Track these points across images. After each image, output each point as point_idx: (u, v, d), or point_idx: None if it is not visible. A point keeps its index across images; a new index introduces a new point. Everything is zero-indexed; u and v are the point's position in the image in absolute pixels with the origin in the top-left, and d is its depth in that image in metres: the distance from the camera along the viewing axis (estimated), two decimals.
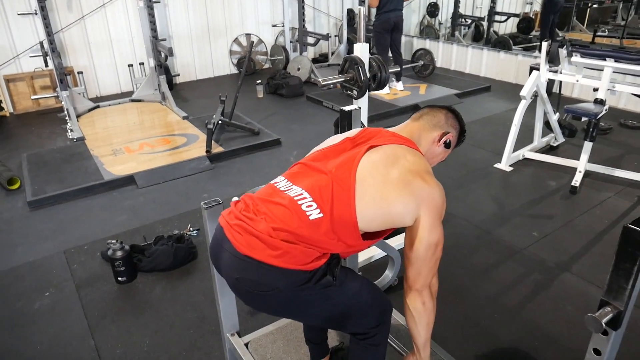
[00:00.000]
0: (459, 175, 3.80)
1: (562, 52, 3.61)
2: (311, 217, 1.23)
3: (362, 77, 2.46)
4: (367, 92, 2.54)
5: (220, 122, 4.42)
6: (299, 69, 6.49)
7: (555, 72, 3.71)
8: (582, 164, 3.60)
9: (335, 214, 1.23)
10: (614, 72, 3.39)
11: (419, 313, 1.34)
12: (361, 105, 2.59)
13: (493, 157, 4.10)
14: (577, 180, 3.49)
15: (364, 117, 2.66)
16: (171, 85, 6.00)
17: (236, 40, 7.01)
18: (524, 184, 3.67)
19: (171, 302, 2.44)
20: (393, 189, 1.25)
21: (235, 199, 1.42)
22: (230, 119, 4.57)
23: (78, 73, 5.60)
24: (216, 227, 1.38)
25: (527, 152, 4.04)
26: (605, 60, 3.34)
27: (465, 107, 5.53)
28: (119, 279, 2.55)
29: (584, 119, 3.37)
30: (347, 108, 1.92)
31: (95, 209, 3.37)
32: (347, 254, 1.42)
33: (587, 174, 3.64)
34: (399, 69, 5.26)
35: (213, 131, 4.20)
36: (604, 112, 3.35)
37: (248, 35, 7.07)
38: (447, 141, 1.48)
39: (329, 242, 1.24)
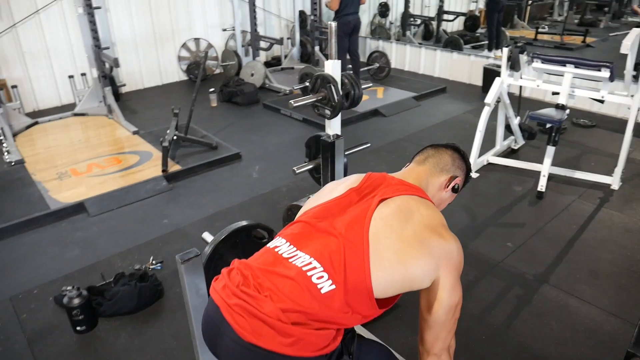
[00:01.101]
0: None
1: (523, 57, 3.62)
2: (323, 291, 1.08)
3: (335, 97, 2.32)
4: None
5: (175, 137, 4.16)
6: (252, 75, 6.27)
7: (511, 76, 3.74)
8: (545, 168, 3.64)
9: (349, 284, 1.10)
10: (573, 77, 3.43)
11: None
12: (334, 125, 2.47)
13: None
14: (542, 185, 3.53)
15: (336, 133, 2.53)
16: (117, 96, 5.63)
17: (184, 46, 6.69)
18: (491, 191, 3.67)
19: (139, 351, 2.21)
20: (410, 251, 1.13)
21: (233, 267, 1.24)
22: (185, 134, 4.31)
23: (12, 87, 5.12)
24: (209, 303, 1.19)
25: (490, 157, 4.06)
26: (565, 66, 3.38)
27: (423, 110, 5.53)
28: (78, 328, 2.29)
29: (548, 125, 3.40)
30: (329, 137, 1.78)
31: (42, 244, 3.05)
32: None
33: (550, 177, 3.68)
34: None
35: (169, 149, 3.94)
36: (565, 117, 3.39)
37: (197, 39, 6.76)
38: (456, 186, 1.38)
39: (343, 316, 1.10)
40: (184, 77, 6.84)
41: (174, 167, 3.95)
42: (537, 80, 3.67)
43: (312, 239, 1.19)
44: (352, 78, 2.44)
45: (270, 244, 1.25)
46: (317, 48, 6.94)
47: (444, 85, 6.34)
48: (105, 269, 2.76)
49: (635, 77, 3.23)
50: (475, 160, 3.88)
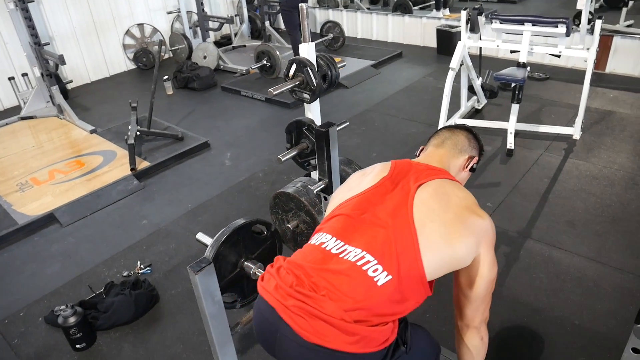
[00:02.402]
0: (401, 153, 3.79)
1: (482, 19, 3.67)
2: (379, 283, 1.09)
3: (314, 80, 2.29)
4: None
5: (138, 133, 3.99)
6: (205, 57, 6.06)
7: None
8: (512, 126, 3.76)
9: (403, 272, 1.11)
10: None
11: (478, 349, 1.29)
12: (314, 108, 2.44)
13: (427, 128, 4.15)
14: (511, 142, 3.65)
15: (316, 117, 2.51)
16: (65, 94, 5.31)
17: (128, 33, 6.35)
18: None
19: None
20: (455, 232, 1.17)
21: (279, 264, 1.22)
22: (149, 128, 4.15)
23: None
24: (260, 303, 1.17)
25: (457, 120, 4.13)
26: (523, 25, 3.45)
27: (383, 77, 5.54)
28: (77, 346, 2.21)
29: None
30: (312, 122, 1.75)
31: (17, 262, 2.90)
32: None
33: (517, 133, 3.81)
34: None
35: (134, 145, 3.78)
36: (527, 75, 3.49)
37: (140, 25, 6.43)
38: (474, 166, 1.43)
39: (399, 306, 1.12)
40: (131, 65, 6.52)
41: (142, 164, 3.81)
42: (496, 40, 3.74)
43: (359, 232, 1.18)
44: (327, 59, 2.40)
45: (314, 240, 1.23)
46: (267, 23, 6.76)
47: (399, 50, 6.35)
48: (92, 280, 2.67)
49: (590, 30, 3.35)
50: (444, 124, 3.95)
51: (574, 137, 3.78)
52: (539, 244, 2.72)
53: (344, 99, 5.02)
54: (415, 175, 1.29)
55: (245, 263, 1.93)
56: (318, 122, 2.50)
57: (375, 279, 1.09)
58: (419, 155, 1.57)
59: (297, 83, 2.32)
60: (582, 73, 4.55)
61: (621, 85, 4.75)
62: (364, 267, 1.10)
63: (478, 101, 4.43)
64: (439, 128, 1.62)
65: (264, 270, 1.94)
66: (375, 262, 1.11)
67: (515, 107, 3.70)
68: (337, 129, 2.61)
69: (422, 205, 1.20)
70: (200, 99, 5.33)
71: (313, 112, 2.45)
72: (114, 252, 2.90)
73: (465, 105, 4.28)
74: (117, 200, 3.44)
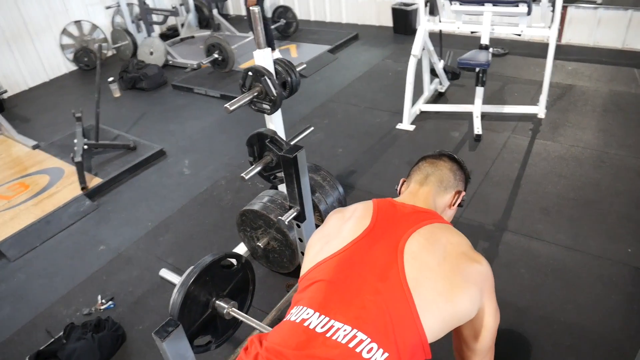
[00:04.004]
0: (367, 146, 3.66)
1: (441, 1, 3.53)
2: None
3: (273, 90, 2.10)
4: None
5: (85, 147, 3.69)
6: (152, 54, 5.70)
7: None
8: (477, 109, 3.69)
9: (402, 345, 0.98)
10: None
11: None
12: (276, 120, 2.26)
13: (392, 117, 4.02)
14: (478, 127, 3.58)
15: (279, 128, 2.33)
16: (0, 105, 4.88)
17: (65, 32, 5.89)
18: (431, 142, 3.66)
19: None
20: (454, 286, 1.05)
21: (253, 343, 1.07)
22: (97, 140, 3.85)
23: None
24: None
25: (422, 106, 4.03)
26: (484, 5, 3.34)
27: (341, 63, 5.36)
28: None
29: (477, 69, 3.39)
30: (286, 153, 1.58)
31: None
32: None
33: (482, 116, 3.74)
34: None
35: (82, 162, 3.49)
36: (491, 58, 3.40)
37: (78, 22, 5.97)
38: (462, 202, 1.31)
39: None
40: (72, 67, 6.07)
41: (93, 181, 3.53)
42: (456, 22, 3.62)
43: (345, 303, 1.03)
44: (285, 64, 2.22)
45: (294, 316, 1.06)
46: (215, 11, 6.42)
47: (355, 31, 6.15)
48: (50, 323, 2.44)
49: (551, 7, 3.28)
50: (410, 113, 3.83)
51: (539, 116, 3.75)
52: (516, 235, 2.66)
53: (303, 89, 4.76)
54: (401, 222, 1.16)
55: (217, 302, 1.77)
56: (281, 134, 2.32)
57: None
58: (400, 189, 1.45)
59: (256, 94, 2.13)
60: (540, 46, 4.50)
61: (578, 57, 4.75)
62: (357, 349, 0.96)
63: (441, 84, 4.33)
64: (419, 159, 1.48)
65: (237, 308, 1.80)
66: (369, 340, 0.97)
67: (479, 90, 3.63)
68: (302, 136, 2.45)
69: (414, 261, 1.07)
70: (150, 100, 5.01)
71: (275, 123, 2.26)
72: (71, 287, 2.67)
73: (428, 89, 4.17)
74: (69, 225, 3.17)
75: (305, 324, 1.02)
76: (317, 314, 1.03)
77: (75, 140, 3.71)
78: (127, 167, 3.66)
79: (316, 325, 1.01)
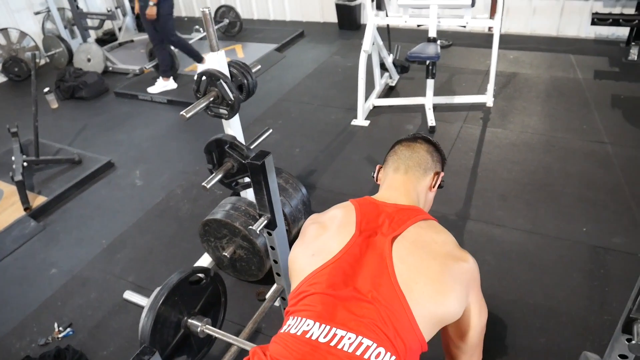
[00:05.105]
0: (324, 144, 3.64)
1: None
2: None
3: (230, 94, 2.03)
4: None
5: (25, 164, 3.44)
6: (89, 60, 5.41)
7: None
8: (429, 101, 3.75)
9: (406, 346, 0.98)
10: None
11: None
12: (234, 124, 2.19)
13: (346, 113, 4.02)
14: (431, 119, 3.63)
15: (238, 133, 2.26)
16: None
17: None
18: (387, 136, 3.68)
19: None
20: (443, 288, 1.05)
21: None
22: (37, 155, 3.59)
23: None
24: None
25: (375, 100, 4.05)
26: None
27: (290, 61, 5.30)
28: None
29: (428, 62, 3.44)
30: (253, 160, 1.51)
31: None
32: None
33: (434, 108, 3.80)
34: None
35: (23, 181, 3.25)
36: (440, 50, 3.46)
37: (4, 30, 5.56)
38: (442, 183, 1.34)
39: None
40: (2, 78, 5.66)
41: (37, 200, 3.30)
42: (403, 15, 3.66)
43: (345, 311, 1.01)
44: (240, 66, 2.14)
45: (293, 329, 1.02)
46: None
47: (300, 29, 6.11)
48: (2, 358, 2.25)
49: None
50: (363, 109, 3.84)
51: (487, 105, 3.86)
52: (479, 223, 2.72)
53: None
54: (386, 224, 1.13)
55: (190, 321, 1.69)
56: (240, 138, 2.25)
57: None
58: (377, 177, 1.41)
59: (212, 99, 2.05)
60: (482, 36, 4.61)
61: (518, 45, 4.94)
62: (365, 356, 0.94)
63: (391, 77, 4.37)
64: (394, 143, 1.45)
65: (211, 325, 1.72)
66: (375, 345, 0.96)
67: (430, 83, 3.68)
68: (261, 139, 2.38)
69: (403, 266, 1.05)
70: (92, 109, 4.75)
71: (233, 127, 2.19)
72: (23, 316, 2.47)
73: (379, 83, 4.20)
74: (14, 250, 2.94)
75: (307, 335, 0.99)
76: (318, 324, 1.00)
77: (13, 158, 3.45)
78: (73, 183, 3.44)
79: (319, 336, 0.98)
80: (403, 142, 1.40)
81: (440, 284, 1.05)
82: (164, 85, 4.77)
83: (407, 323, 0.99)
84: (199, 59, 4.80)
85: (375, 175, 1.43)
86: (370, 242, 1.11)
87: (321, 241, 1.15)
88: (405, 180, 1.29)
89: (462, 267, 1.10)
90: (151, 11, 4.19)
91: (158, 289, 1.60)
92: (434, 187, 1.34)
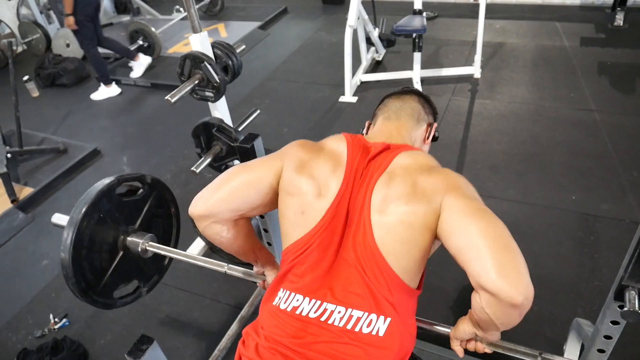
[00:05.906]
0: (313, 123, 3.61)
1: None
2: (381, 333, 0.94)
3: (215, 76, 1.99)
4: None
5: (9, 155, 3.38)
6: (68, 46, 5.26)
7: None
8: (416, 74, 3.71)
9: (395, 303, 0.96)
10: None
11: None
12: (221, 107, 2.15)
13: (333, 90, 3.98)
14: None
15: (225, 115, 2.23)
16: None
17: None
18: None
19: None
20: (416, 222, 0.96)
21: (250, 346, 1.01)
22: (21, 146, 3.52)
23: None
24: None
25: (362, 76, 4.01)
26: None
27: (274, 39, 5.22)
28: None
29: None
30: (242, 143, 1.49)
31: None
32: None
33: (422, 81, 3.77)
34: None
35: (8, 172, 3.20)
36: (426, 22, 3.41)
37: None
38: (436, 134, 1.29)
39: (408, 339, 0.99)
40: None
41: (24, 192, 3.25)
42: None
43: (332, 283, 0.99)
44: (224, 47, 2.10)
45: (284, 304, 1.01)
46: None
47: (283, 4, 5.98)
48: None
49: None
50: (351, 85, 3.80)
51: (475, 76, 3.83)
52: None
53: None
54: (370, 171, 1.05)
55: (129, 239, 1.50)
56: (228, 120, 2.21)
57: (374, 332, 0.94)
58: (367, 132, 1.33)
59: (197, 82, 2.00)
60: (467, 6, 4.55)
61: (504, 14, 4.89)
62: (356, 329, 0.94)
63: (377, 52, 4.32)
64: (383, 98, 1.40)
65: (155, 242, 1.53)
66: (366, 314, 0.95)
67: (417, 56, 3.64)
68: (250, 120, 2.35)
69: (379, 216, 0.98)
70: (74, 96, 4.65)
71: (220, 110, 2.15)
72: (17, 310, 2.46)
73: (365, 58, 4.15)
74: (3, 243, 2.91)
75: (298, 311, 0.99)
76: (307, 299, 0.99)
77: None
78: (60, 172, 3.39)
79: (309, 311, 0.98)
80: (392, 95, 1.35)
81: (410, 222, 0.96)
82: (107, 92, 4.48)
83: (388, 279, 0.96)
84: (132, 56, 4.61)
85: (364, 132, 1.36)
86: (352, 195, 1.03)
87: (310, 192, 1.05)
88: (399, 125, 1.23)
89: (431, 178, 0.99)
90: (68, 22, 4.00)
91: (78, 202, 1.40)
92: (428, 138, 1.28)
